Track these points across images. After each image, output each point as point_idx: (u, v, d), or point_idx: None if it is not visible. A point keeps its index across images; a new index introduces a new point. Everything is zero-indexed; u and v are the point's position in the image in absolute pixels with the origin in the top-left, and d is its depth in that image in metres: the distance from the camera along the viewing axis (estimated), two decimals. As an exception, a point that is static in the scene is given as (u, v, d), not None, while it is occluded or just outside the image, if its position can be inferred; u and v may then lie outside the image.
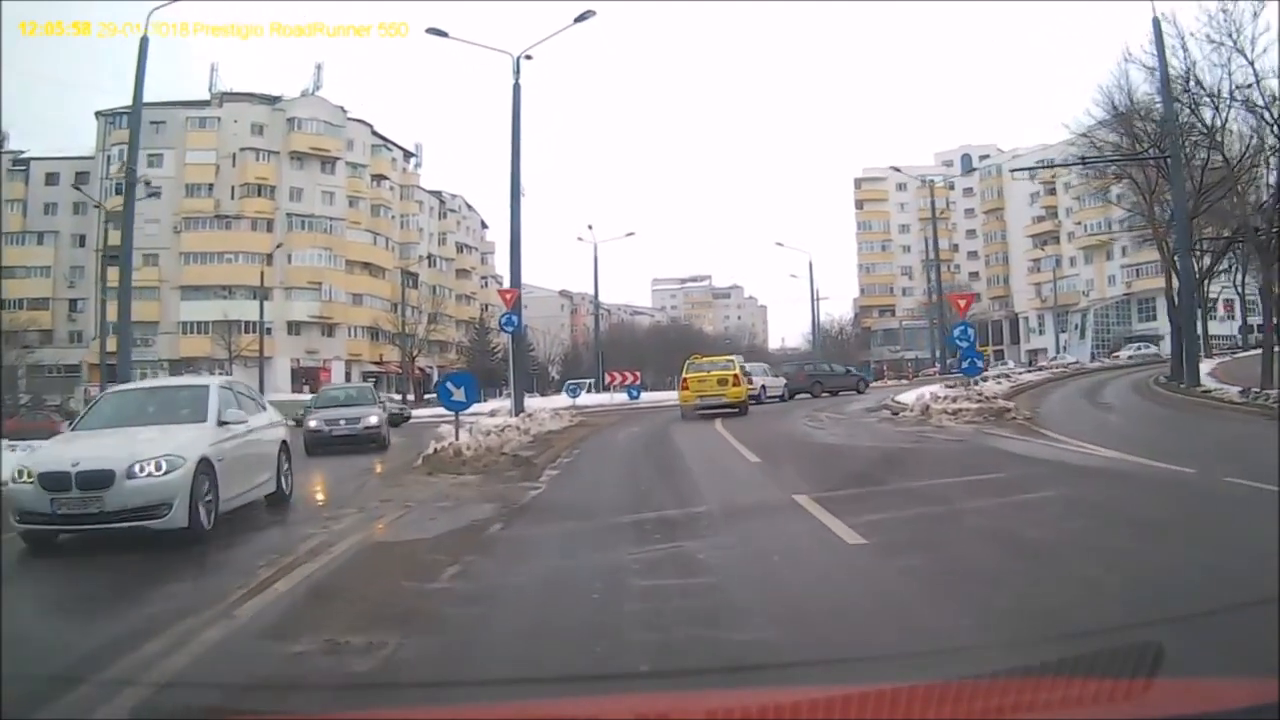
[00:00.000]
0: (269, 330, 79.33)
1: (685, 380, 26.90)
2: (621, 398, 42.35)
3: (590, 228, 69.73)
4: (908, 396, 27.78)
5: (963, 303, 23.88)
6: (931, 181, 60.78)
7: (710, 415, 25.95)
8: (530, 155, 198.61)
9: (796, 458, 14.85)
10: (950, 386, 30.75)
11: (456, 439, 16.34)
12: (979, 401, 21.64)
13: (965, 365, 22.61)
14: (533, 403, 36.92)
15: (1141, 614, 5.06)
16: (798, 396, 38.14)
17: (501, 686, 4.63)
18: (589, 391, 41.50)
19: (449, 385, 16.68)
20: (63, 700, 4.55)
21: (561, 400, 40.77)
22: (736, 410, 26.21)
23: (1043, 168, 33.19)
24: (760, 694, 3.13)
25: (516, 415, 27.29)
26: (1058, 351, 78.14)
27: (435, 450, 15.85)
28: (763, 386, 35.76)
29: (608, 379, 43.71)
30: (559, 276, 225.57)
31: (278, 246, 73.85)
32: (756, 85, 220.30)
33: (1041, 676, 2.36)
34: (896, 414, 23.39)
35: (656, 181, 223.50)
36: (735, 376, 27.04)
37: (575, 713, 2.91)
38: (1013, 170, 30.02)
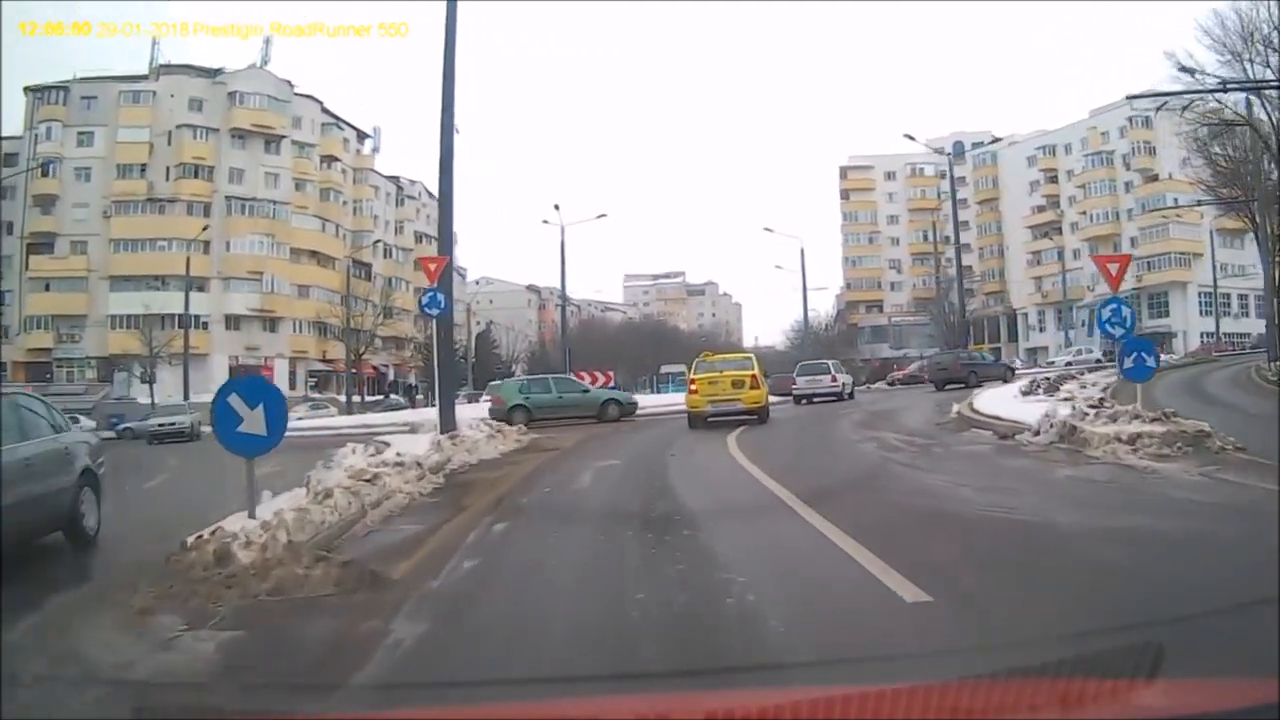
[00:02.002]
0: (205, 325, 70.63)
1: (693, 382, 22.22)
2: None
3: (557, 208, 59.20)
4: (995, 406, 19.42)
5: (1114, 267, 15.04)
6: (948, 153, 52.72)
7: (721, 427, 20.04)
8: (497, 146, 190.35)
9: (992, 577, 6.17)
10: (1027, 392, 22.56)
11: (252, 515, 7.67)
12: (1161, 421, 13.20)
13: (1131, 366, 13.98)
14: (475, 412, 28.37)
15: None
16: (948, 387, 34.52)
17: (502, 687, 4.37)
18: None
19: (232, 401, 7.73)
20: (63, 700, 4.33)
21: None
22: (755, 418, 21.44)
23: (1162, 95, 25.16)
24: (760, 694, 3.09)
25: (443, 434, 19.00)
26: (1066, 349, 70.36)
27: (189, 545, 7.18)
28: (843, 385, 34.19)
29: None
30: (527, 271, 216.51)
31: (205, 228, 64.55)
32: (734, 75, 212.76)
33: (1041, 676, 2.28)
34: (1006, 437, 14.96)
35: (629, 174, 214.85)
36: (753, 377, 22.07)
37: (575, 713, 2.77)
38: (1130, 97, 22.68)
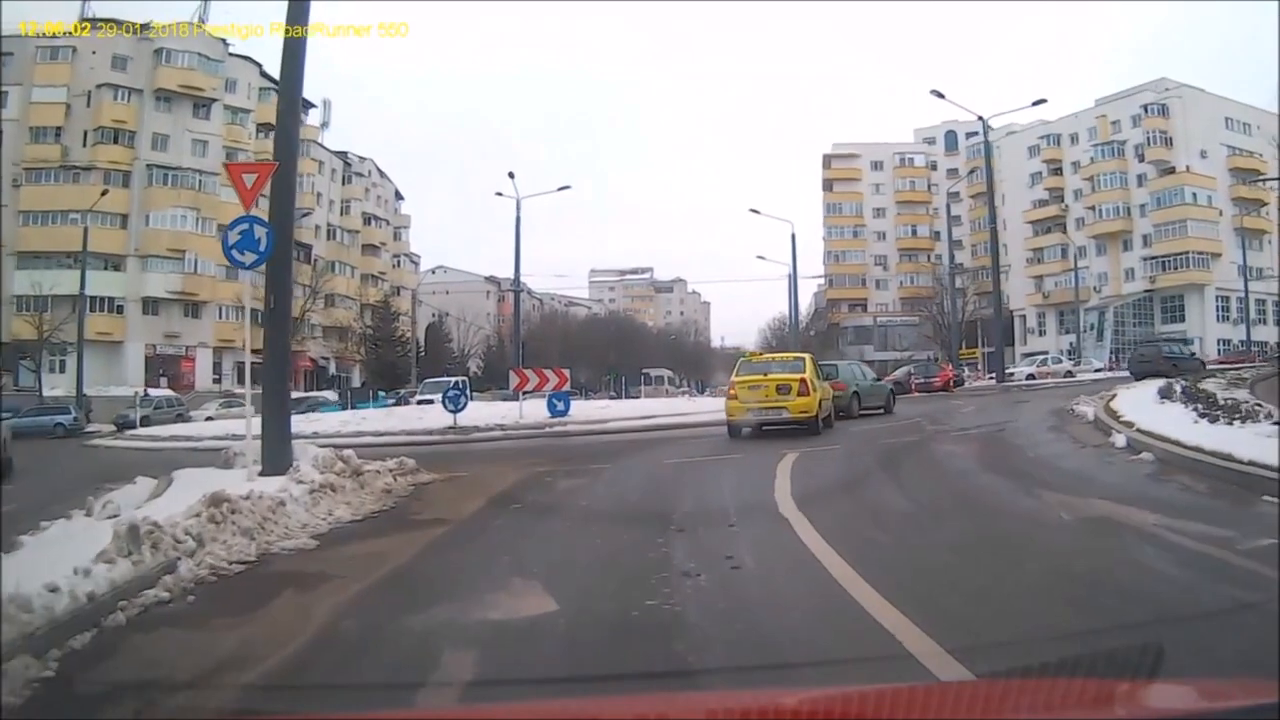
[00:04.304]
0: (119, 308, 61.06)
1: (733, 386, 19.16)
2: (538, 411, 24.35)
3: (511, 176, 47.39)
4: (1173, 428, 10.47)
5: None
6: (982, 120, 44.65)
7: (763, 454, 14.42)
8: (461, 135, 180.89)
9: None
10: (1213, 418, 13.83)
11: None
12: None
13: None
14: (385, 422, 19.38)
15: None
16: (1145, 380, 27.03)
17: (502, 687, 4.16)
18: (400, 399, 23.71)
19: None
20: (63, 700, 4.17)
21: (435, 416, 22.82)
22: (804, 429, 17.80)
23: None
24: (760, 694, 2.98)
25: (271, 474, 10.27)
26: (1076, 353, 62.51)
27: None
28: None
29: (516, 381, 25.17)
30: (487, 264, 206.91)
31: (104, 193, 54.96)
32: (708, 65, 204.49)
33: (1041, 676, 2.23)
34: None
35: (597, 167, 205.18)
36: (802, 381, 18.25)
37: (575, 713, 2.62)
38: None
